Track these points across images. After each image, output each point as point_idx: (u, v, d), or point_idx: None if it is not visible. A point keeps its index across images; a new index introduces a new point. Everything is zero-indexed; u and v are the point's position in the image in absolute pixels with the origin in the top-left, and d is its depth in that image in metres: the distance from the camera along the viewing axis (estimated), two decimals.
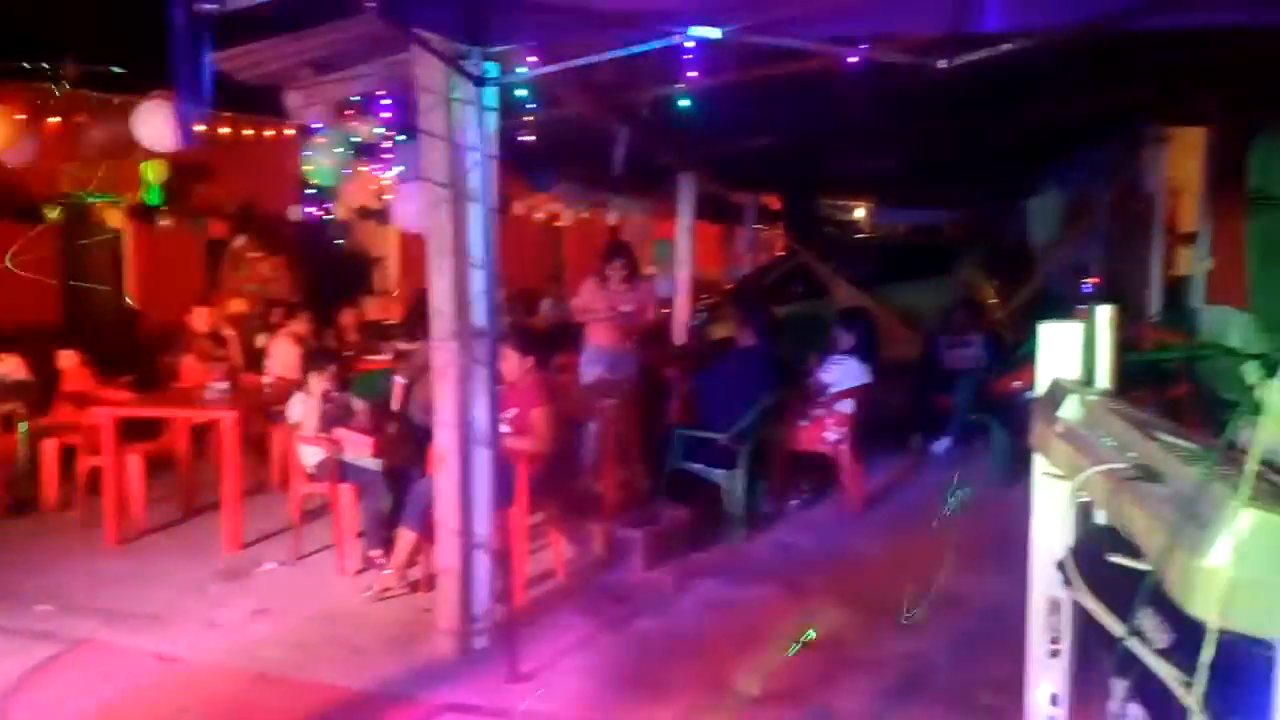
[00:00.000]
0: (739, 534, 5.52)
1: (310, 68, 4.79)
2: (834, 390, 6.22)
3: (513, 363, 4.92)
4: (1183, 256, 7.52)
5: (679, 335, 8.61)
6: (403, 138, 6.09)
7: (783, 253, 13.17)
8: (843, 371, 6.31)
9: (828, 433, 6.09)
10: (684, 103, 5.62)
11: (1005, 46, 3.63)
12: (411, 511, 4.63)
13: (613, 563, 5.04)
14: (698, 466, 5.66)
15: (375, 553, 4.95)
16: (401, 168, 6.46)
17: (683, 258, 8.90)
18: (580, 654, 4.04)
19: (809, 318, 8.87)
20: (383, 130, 6.04)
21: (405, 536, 4.65)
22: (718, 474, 5.60)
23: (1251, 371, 1.71)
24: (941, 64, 3.66)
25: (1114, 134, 8.02)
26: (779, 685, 3.74)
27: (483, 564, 4.06)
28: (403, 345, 6.94)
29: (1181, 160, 7.55)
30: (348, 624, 4.38)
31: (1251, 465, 1.41)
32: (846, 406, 6.14)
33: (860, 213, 15.15)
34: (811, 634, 4.14)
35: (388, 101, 5.35)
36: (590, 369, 6.45)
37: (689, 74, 4.91)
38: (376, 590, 4.67)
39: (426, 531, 4.34)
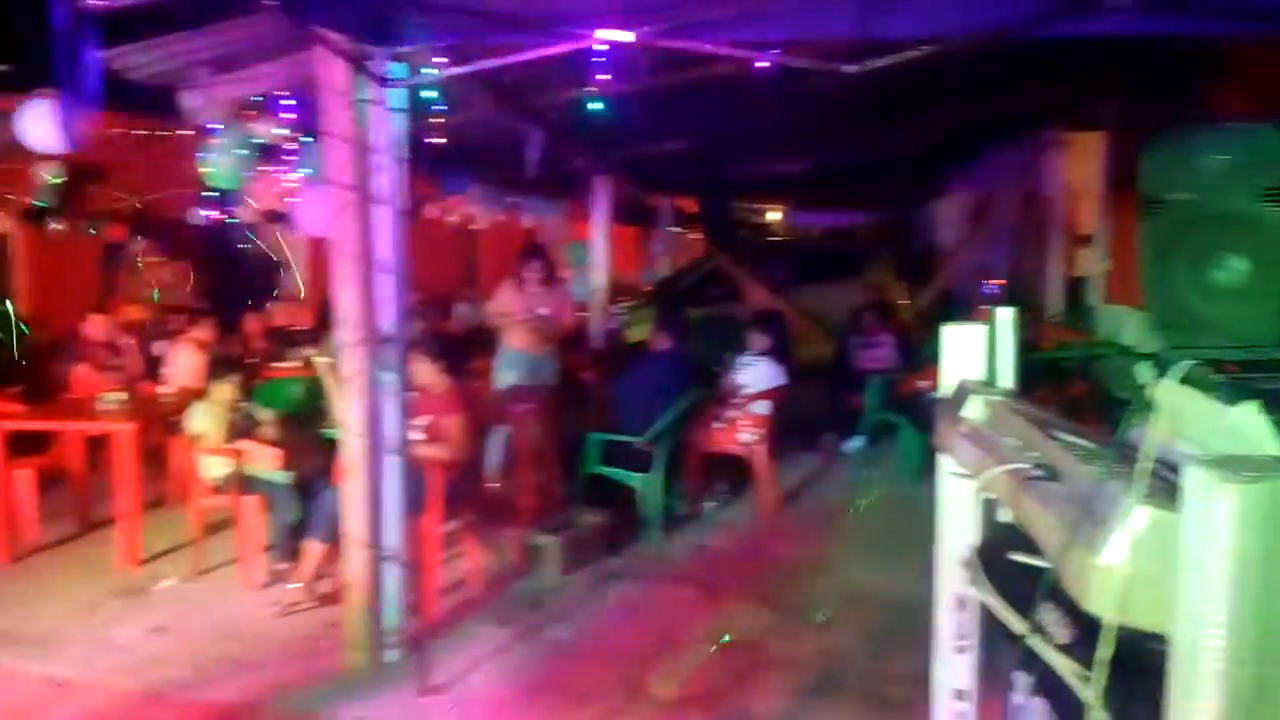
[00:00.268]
0: (655, 537, 5.51)
1: (208, 67, 4.62)
2: (749, 392, 6.26)
3: (425, 369, 4.83)
4: (1081, 257, 7.79)
5: (596, 339, 8.58)
6: (308, 139, 5.93)
7: (699, 256, 13.24)
8: (757, 373, 6.36)
9: (743, 434, 6.12)
10: (597, 105, 5.60)
11: (911, 53, 3.69)
12: (319, 523, 4.50)
13: (528, 570, 4.99)
14: (614, 471, 5.63)
15: (282, 566, 4.80)
16: (306, 170, 6.28)
17: (599, 261, 8.88)
18: (495, 664, 3.98)
19: (724, 320, 8.93)
20: (286, 131, 5.87)
21: (313, 548, 4.52)
22: (634, 478, 5.59)
23: (1144, 371, 1.76)
24: (850, 69, 3.71)
25: (1017, 138, 8.27)
26: (696, 688, 3.74)
27: (393, 575, 3.97)
28: (311, 352, 6.76)
29: (1080, 164, 7.82)
30: (251, 640, 4.23)
31: (1145, 463, 1.44)
32: (761, 408, 6.19)
33: (775, 216, 15.33)
34: (727, 635, 4.16)
35: (290, 102, 5.21)
36: (506, 374, 6.37)
37: (601, 77, 4.89)
38: (283, 605, 4.53)
39: (335, 543, 4.22)
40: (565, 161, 7.73)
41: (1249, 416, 1.41)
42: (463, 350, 6.69)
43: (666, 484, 5.67)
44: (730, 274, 10.52)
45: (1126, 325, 6.07)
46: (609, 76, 4.90)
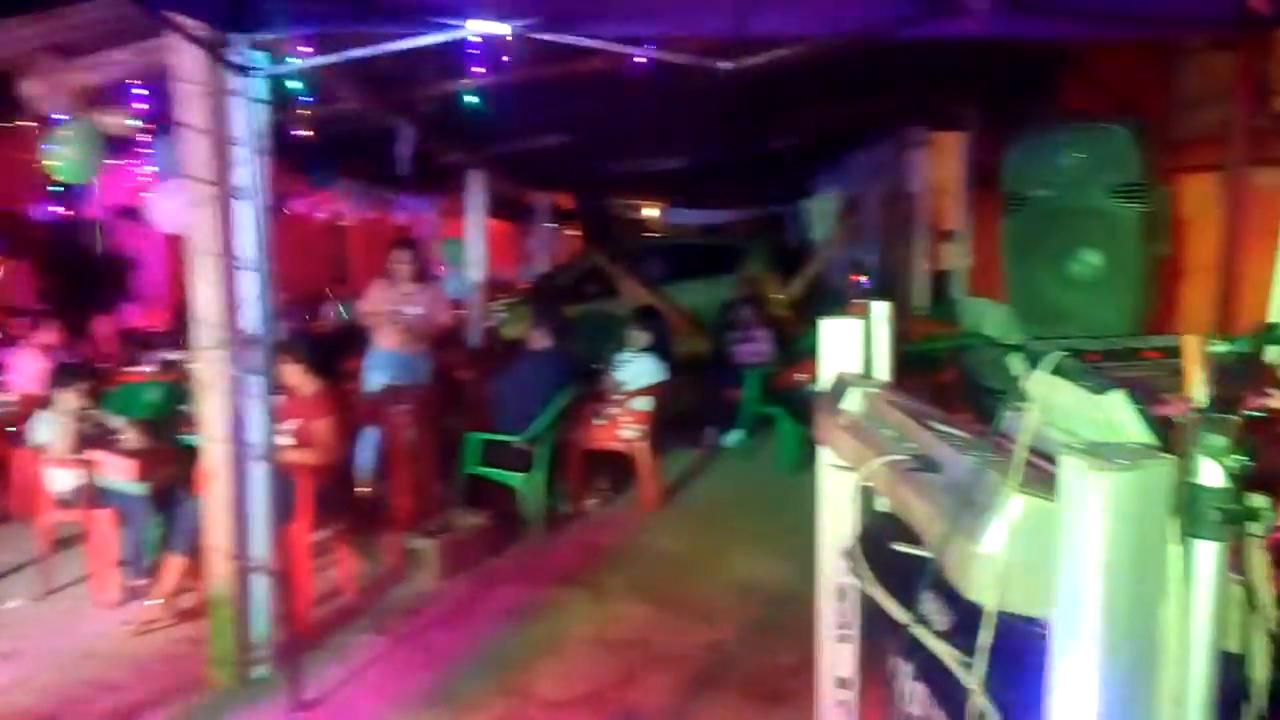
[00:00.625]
0: (537, 537, 5.45)
1: (52, 53, 4.31)
2: (629, 388, 6.26)
3: (293, 370, 4.63)
4: (945, 252, 8.09)
5: (473, 337, 8.43)
6: (162, 131, 5.61)
7: (576, 253, 13.19)
8: (637, 369, 6.36)
9: (624, 430, 6.11)
10: (471, 99, 5.49)
11: (782, 51, 3.73)
12: (178, 534, 4.26)
13: (405, 575, 4.85)
14: (493, 471, 5.54)
15: (139, 582, 4.53)
16: (161, 164, 5.94)
17: (475, 257, 8.73)
18: (372, 674, 3.85)
19: (603, 317, 8.91)
20: (138, 122, 5.54)
21: (172, 562, 4.28)
22: (514, 477, 5.51)
23: (1016, 362, 1.80)
24: (725, 66, 3.73)
25: (883, 138, 8.53)
26: (582, 688, 3.70)
27: (261, 586, 3.78)
28: (169, 355, 6.42)
29: (942, 163, 8.13)
30: (107, 662, 3.96)
31: (1020, 453, 1.47)
32: (642, 404, 6.19)
33: (652, 212, 15.40)
34: (612, 634, 4.14)
35: (143, 91, 4.91)
36: (376, 374, 6.15)
37: (475, 70, 4.78)
38: (141, 623, 4.27)
39: (196, 555, 4.00)
40: (439, 156, 7.55)
41: (1118, 405, 1.46)
42: (332, 351, 6.45)
43: (547, 483, 5.61)
44: (608, 271, 10.51)
45: (988, 317, 6.33)
46: (483, 69, 4.81)
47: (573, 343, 6.68)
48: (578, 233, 14.02)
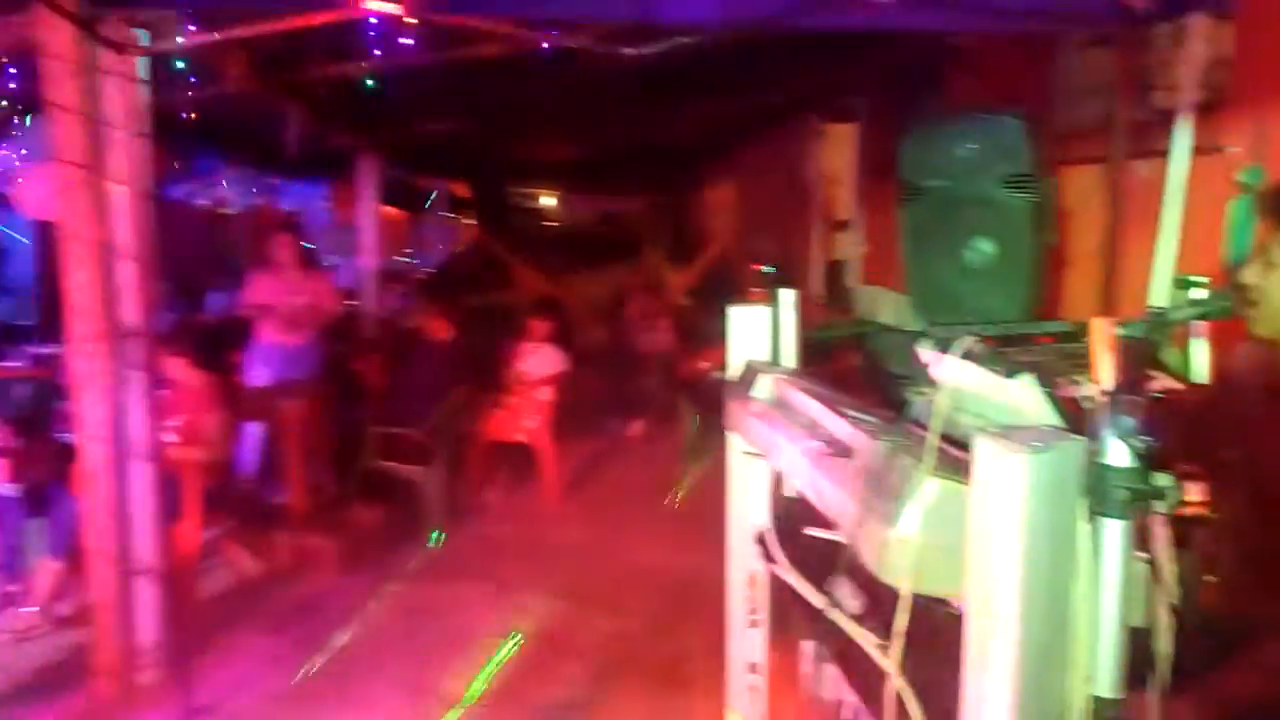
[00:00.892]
0: (439, 531, 5.34)
1: None
2: (530, 379, 6.19)
3: (177, 364, 4.42)
4: (840, 241, 8.26)
5: (369, 328, 8.20)
6: (32, 112, 5.29)
7: (473, 241, 13.00)
8: (538, 360, 6.30)
9: (526, 421, 6.05)
10: (365, 82, 5.32)
11: (685, 38, 3.73)
12: (55, 538, 4.03)
13: (302, 574, 4.69)
14: (392, 465, 5.40)
15: (11, 588, 4.26)
16: (31, 147, 5.59)
17: (368, 246, 8.49)
18: (268, 677, 3.70)
19: (502, 307, 8.80)
20: (4, 103, 5.21)
21: (48, 567, 4.04)
22: (413, 471, 5.39)
23: (925, 347, 1.83)
24: (629, 52, 3.71)
25: (780, 127, 8.64)
26: (489, 684, 3.64)
27: (146, 590, 3.60)
28: (41, 349, 6.05)
29: (837, 153, 8.28)
30: None
31: (933, 437, 1.49)
32: (543, 394, 6.14)
33: (550, 200, 15.29)
34: (517, 627, 4.09)
35: (11, 71, 4.61)
36: (260, 368, 5.88)
37: (369, 51, 4.64)
38: (15, 631, 4.02)
39: (73, 559, 3.78)
40: (330, 141, 7.31)
41: (1026, 388, 1.49)
42: (218, 343, 6.19)
43: (449, 476, 5.50)
44: (506, 260, 10.38)
45: (883, 304, 6.49)
46: (378, 51, 4.67)
47: (472, 333, 6.56)
48: (473, 221, 13.81)
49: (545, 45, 4.14)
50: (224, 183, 9.74)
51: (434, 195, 12.42)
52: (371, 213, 8.49)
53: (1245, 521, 1.82)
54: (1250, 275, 1.78)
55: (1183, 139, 3.63)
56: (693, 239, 10.80)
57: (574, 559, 5.00)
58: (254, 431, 5.43)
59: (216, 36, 3.72)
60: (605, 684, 3.67)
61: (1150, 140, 3.77)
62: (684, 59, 4.34)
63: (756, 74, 6.17)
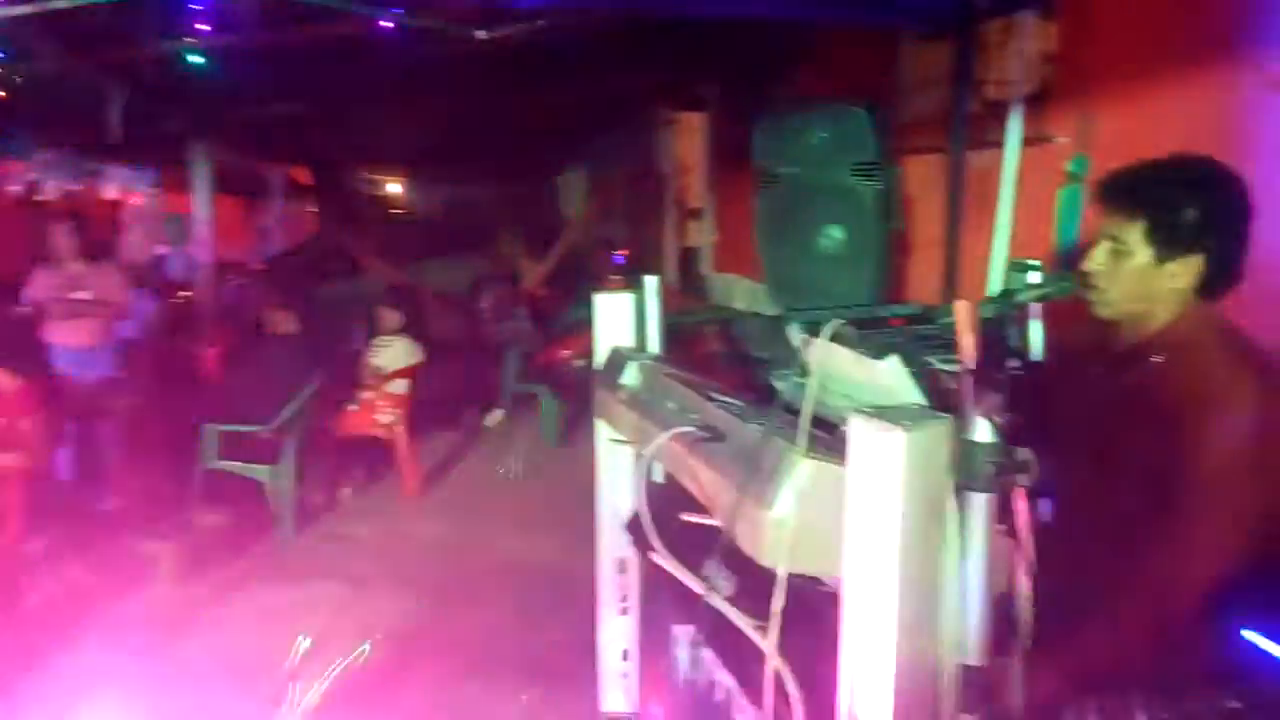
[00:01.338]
0: (289, 532, 5.12)
1: None
2: (383, 371, 6.01)
3: None
4: (692, 229, 8.37)
5: (205, 321, 7.77)
6: None
7: (319, 229, 12.50)
8: (391, 352, 6.12)
9: (380, 415, 5.87)
10: (196, 60, 5.01)
11: (535, 21, 3.68)
12: None
13: (138, 582, 4.40)
14: (237, 464, 5.14)
15: None
16: None
17: (202, 235, 8.03)
18: (103, 696, 3.45)
19: (351, 297, 8.50)
20: None
21: None
22: (260, 470, 5.14)
23: (795, 332, 1.85)
24: (480, 34, 3.63)
25: (632, 116, 8.67)
26: (347, 687, 3.51)
27: None
28: None
29: (688, 142, 8.38)
30: None
31: (805, 418, 1.51)
32: (397, 387, 5.97)
33: (400, 187, 14.87)
34: (377, 628, 3.96)
35: None
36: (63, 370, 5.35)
37: (200, 27, 4.38)
38: None
39: None
40: (159, 123, 6.86)
41: (894, 369, 1.53)
42: (36, 341, 5.72)
43: (298, 474, 5.28)
44: (354, 249, 10.04)
45: (736, 291, 6.61)
46: (209, 27, 4.41)
47: (319, 325, 6.32)
48: (317, 209, 13.27)
49: (389, 25, 4.00)
50: (39, 167, 9.01)
51: (274, 181, 11.86)
52: (206, 199, 8.04)
53: (1086, 493, 1.94)
54: (1093, 263, 1.88)
55: (1014, 130, 3.83)
56: (548, 227, 10.73)
57: (434, 554, 4.89)
58: (79, 434, 5.06)
59: (27, 9, 3.42)
60: (471, 681, 3.60)
61: (985, 131, 3.97)
62: (535, 43, 4.29)
63: (608, 61, 6.17)
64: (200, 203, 8.04)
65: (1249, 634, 1.82)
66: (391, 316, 6.30)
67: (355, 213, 12.31)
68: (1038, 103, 3.78)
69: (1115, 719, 1.32)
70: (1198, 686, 1.37)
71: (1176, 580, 1.76)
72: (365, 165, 13.08)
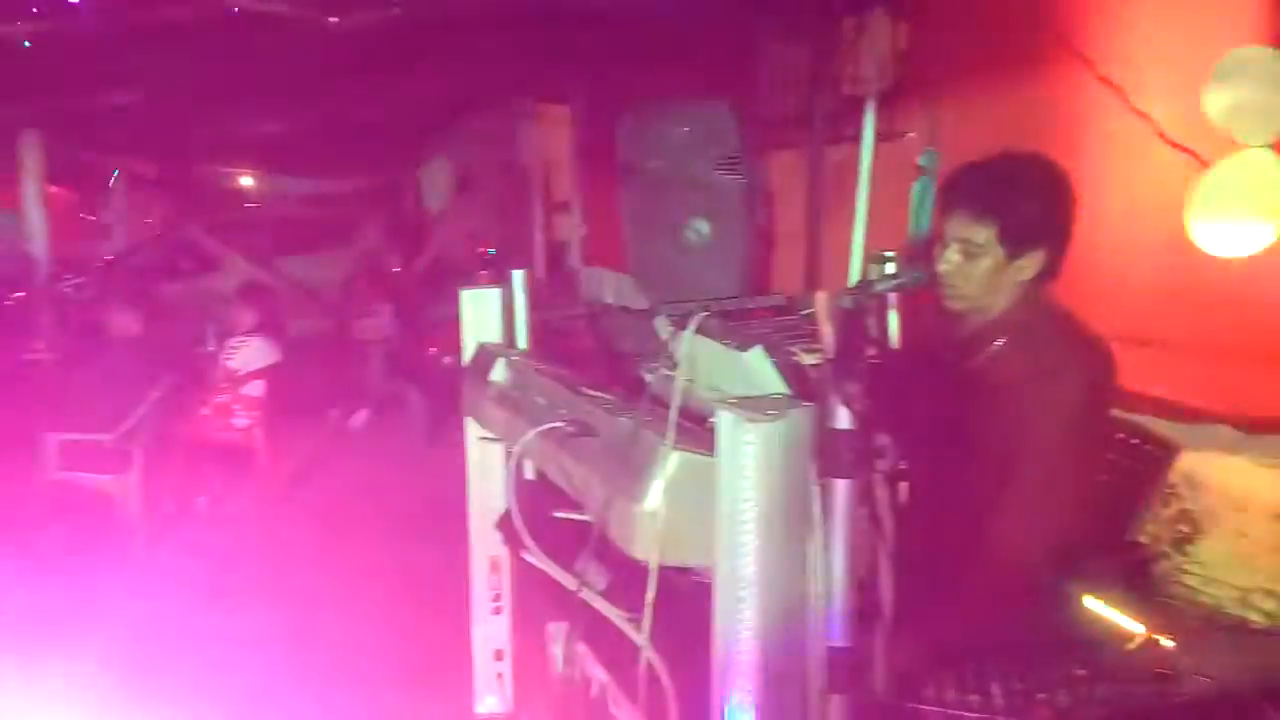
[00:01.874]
0: (140, 546, 4.85)
1: None
2: (240, 373, 5.75)
3: None
4: (560, 223, 8.34)
5: (40, 324, 7.26)
6: None
7: (167, 224, 11.87)
8: (248, 352, 5.86)
9: (236, 419, 5.62)
10: (22, 44, 4.67)
11: (389, 10, 3.58)
12: None
13: None
14: (81, 474, 4.83)
15: None
16: None
17: (34, 231, 7.49)
18: None
19: (203, 295, 8.11)
20: None
21: None
22: (105, 480, 4.84)
23: (662, 326, 1.87)
24: (331, 20, 3.51)
25: (496, 108, 8.57)
26: (209, 704, 3.36)
27: None
28: None
29: (554, 135, 8.34)
30: None
31: (674, 411, 1.52)
32: (255, 389, 5.73)
33: (255, 180, 14.26)
34: (240, 641, 3.81)
35: None
36: None
37: (30, 9, 4.09)
38: None
39: None
40: None
41: (758, 360, 1.56)
42: None
43: (149, 483, 5.00)
44: (205, 245, 9.58)
45: (606, 285, 6.63)
46: (35, 10, 4.12)
47: (168, 325, 6.00)
48: (166, 203, 12.59)
49: (234, 9, 3.83)
50: None
51: (116, 174, 11.17)
52: (36, 194, 7.50)
53: (941, 474, 2.02)
54: (947, 265, 1.96)
55: (869, 126, 3.97)
56: (413, 221, 10.49)
57: (300, 562, 4.72)
58: None
59: None
60: (342, 691, 3.49)
61: (843, 126, 4.10)
62: (392, 31, 4.18)
63: (468, 51, 6.07)
64: (30, 197, 7.50)
65: (1092, 602, 1.94)
66: (246, 315, 6.04)
67: (208, 206, 11.76)
68: (890, 99, 3.92)
69: (971, 689, 1.38)
70: (1047, 654, 1.44)
71: (1019, 548, 1.87)
72: (216, 157, 12.50)
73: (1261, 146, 2.44)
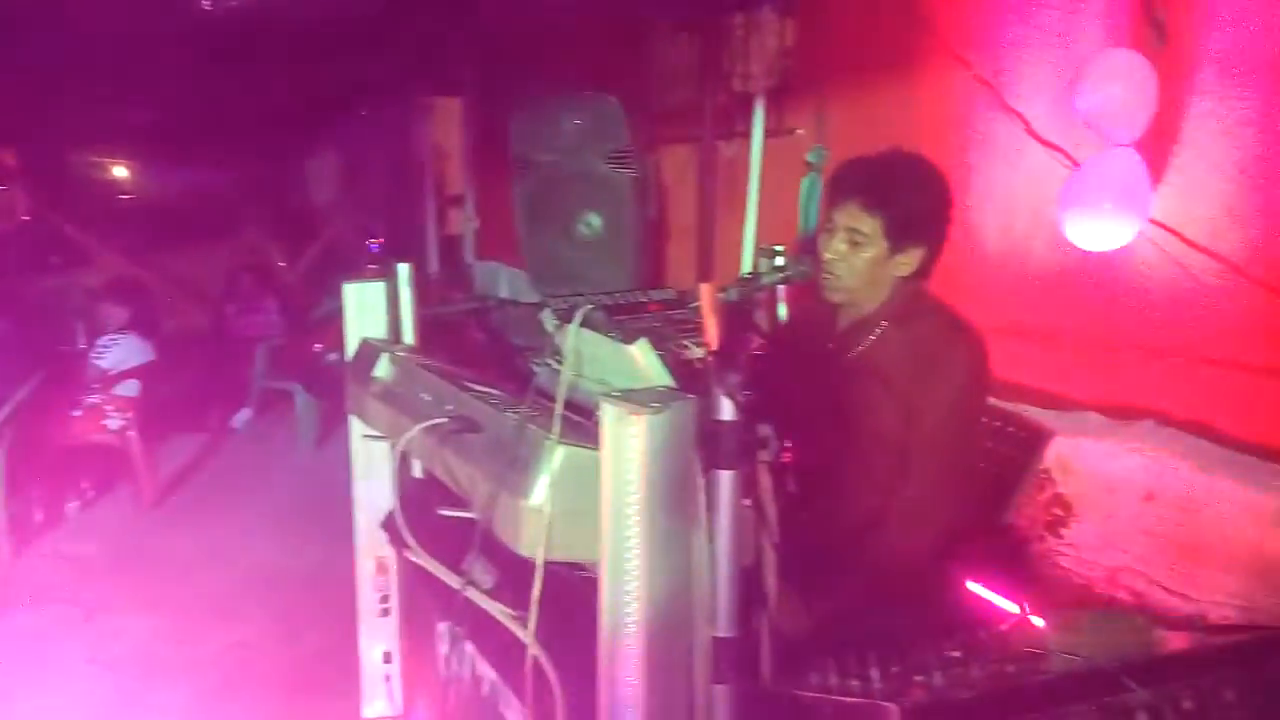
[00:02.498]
0: (6, 553, 4.58)
1: None
2: (112, 372, 5.48)
3: None
4: (453, 217, 8.20)
5: None
6: None
7: (26, 216, 11.22)
8: (120, 351, 5.59)
9: (108, 420, 5.35)
10: None
11: None
12: None
13: None
14: None
15: None
16: None
17: None
18: None
19: (69, 291, 7.69)
20: None
21: None
22: None
23: (548, 319, 1.84)
24: (206, 5, 3.37)
25: (387, 100, 8.38)
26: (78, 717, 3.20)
27: None
28: None
29: (446, 128, 8.20)
30: None
31: (559, 406, 1.50)
32: (129, 389, 5.47)
33: (126, 170, 13.60)
34: (112, 653, 3.63)
35: None
36: None
37: None
38: None
39: None
40: None
41: (643, 352, 1.55)
42: None
43: (12, 489, 4.72)
44: (72, 238, 9.10)
45: (499, 279, 6.56)
46: None
47: (34, 323, 5.68)
48: (27, 194, 11.90)
49: None
50: None
51: None
52: None
53: (829, 463, 2.06)
54: (831, 253, 2.00)
55: (759, 122, 4.01)
56: (299, 214, 10.17)
57: (179, 569, 4.52)
58: None
59: None
60: (224, 701, 3.36)
61: (734, 122, 4.13)
62: (272, 16, 4.03)
63: (356, 40, 5.91)
64: None
65: (972, 585, 2.00)
66: (117, 312, 5.76)
67: (75, 197, 11.17)
68: (779, 95, 3.97)
69: (853, 674, 1.40)
70: (926, 637, 1.48)
71: (907, 534, 1.92)
72: (86, 145, 11.89)
73: (1126, 145, 2.55)
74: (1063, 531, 2.80)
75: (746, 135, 4.04)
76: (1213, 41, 2.50)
